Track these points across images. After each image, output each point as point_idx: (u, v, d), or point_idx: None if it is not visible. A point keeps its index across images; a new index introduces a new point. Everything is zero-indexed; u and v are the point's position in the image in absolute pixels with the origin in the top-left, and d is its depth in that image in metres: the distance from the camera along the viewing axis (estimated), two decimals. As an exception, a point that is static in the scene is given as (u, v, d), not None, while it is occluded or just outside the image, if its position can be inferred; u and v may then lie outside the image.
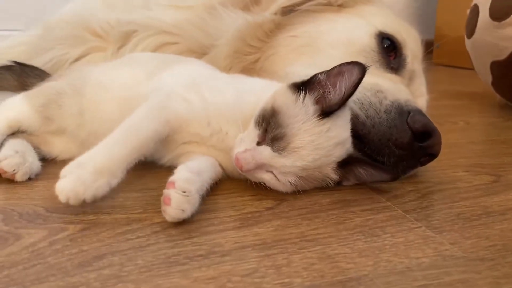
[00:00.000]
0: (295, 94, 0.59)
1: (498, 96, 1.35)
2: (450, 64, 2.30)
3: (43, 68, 0.99)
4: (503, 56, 1.20)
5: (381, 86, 0.70)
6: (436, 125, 0.67)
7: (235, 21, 0.89)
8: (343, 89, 0.57)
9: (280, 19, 0.87)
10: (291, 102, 0.58)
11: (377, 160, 0.65)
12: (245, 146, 0.59)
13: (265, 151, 0.57)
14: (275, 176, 0.59)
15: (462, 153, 0.85)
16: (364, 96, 0.68)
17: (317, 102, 0.58)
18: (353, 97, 0.63)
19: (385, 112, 0.66)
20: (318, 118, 0.57)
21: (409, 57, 0.82)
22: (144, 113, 0.61)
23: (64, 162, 0.75)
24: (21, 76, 0.92)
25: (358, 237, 0.51)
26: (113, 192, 0.61)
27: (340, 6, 0.90)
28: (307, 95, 0.58)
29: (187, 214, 0.53)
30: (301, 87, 0.59)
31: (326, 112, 0.58)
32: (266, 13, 0.88)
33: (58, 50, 1.02)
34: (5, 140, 0.72)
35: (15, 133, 0.75)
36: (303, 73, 0.80)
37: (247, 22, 0.87)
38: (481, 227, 0.55)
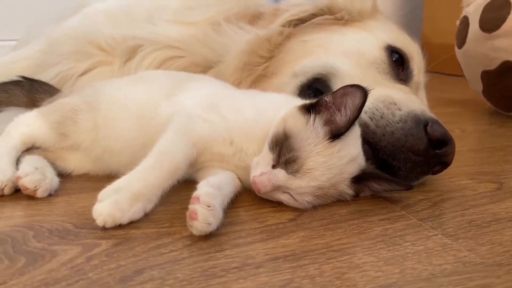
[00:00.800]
0: (305, 117, 0.61)
1: (487, 104, 1.40)
2: (438, 71, 2.36)
3: (49, 82, 1.00)
4: (493, 66, 1.26)
5: (394, 98, 0.73)
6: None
7: (241, 36, 0.91)
8: (349, 112, 0.60)
9: (290, 30, 0.90)
10: (301, 125, 0.61)
11: (392, 164, 0.68)
12: (261, 169, 0.62)
13: (280, 174, 0.60)
14: (292, 196, 0.62)
15: (464, 161, 0.89)
16: (377, 107, 0.72)
17: (325, 123, 0.61)
18: (365, 108, 0.66)
19: (400, 121, 0.69)
20: (329, 141, 0.60)
21: (415, 70, 0.87)
22: (172, 138, 0.63)
23: (80, 177, 0.78)
24: (30, 91, 0.92)
25: (381, 246, 0.54)
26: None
27: (347, 21, 0.94)
28: (316, 118, 0.61)
29: (213, 227, 0.55)
30: (310, 109, 0.62)
31: (335, 134, 0.60)
32: (274, 26, 0.91)
33: (64, 65, 1.03)
34: (21, 156, 0.73)
35: (29, 149, 0.76)
36: (317, 64, 0.82)
37: (257, 36, 0.89)
38: (493, 233, 0.58)
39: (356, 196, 0.67)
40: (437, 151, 0.68)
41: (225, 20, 0.97)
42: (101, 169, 0.77)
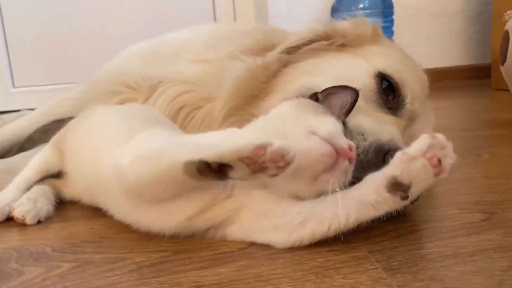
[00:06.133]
0: None
1: (540, 124, 1.27)
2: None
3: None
4: (536, 82, 1.15)
5: (363, 128, 0.73)
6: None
7: (240, 68, 0.96)
8: None
9: (287, 57, 0.93)
10: None
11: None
12: None
13: None
14: None
15: (468, 189, 0.83)
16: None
17: None
18: None
19: (361, 153, 0.69)
20: None
21: (408, 98, 0.83)
22: None
23: (74, 204, 0.84)
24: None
25: (310, 277, 0.54)
26: (116, 233, 0.70)
27: (342, 45, 0.94)
28: None
29: None
30: None
31: None
32: (271, 53, 0.95)
33: (96, 102, 1.16)
34: (32, 186, 0.83)
35: (44, 179, 0.86)
36: (304, 86, 0.84)
37: (254, 64, 0.93)
38: (441, 268, 0.54)
39: None
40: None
41: (233, 56, 1.03)
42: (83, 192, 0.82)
